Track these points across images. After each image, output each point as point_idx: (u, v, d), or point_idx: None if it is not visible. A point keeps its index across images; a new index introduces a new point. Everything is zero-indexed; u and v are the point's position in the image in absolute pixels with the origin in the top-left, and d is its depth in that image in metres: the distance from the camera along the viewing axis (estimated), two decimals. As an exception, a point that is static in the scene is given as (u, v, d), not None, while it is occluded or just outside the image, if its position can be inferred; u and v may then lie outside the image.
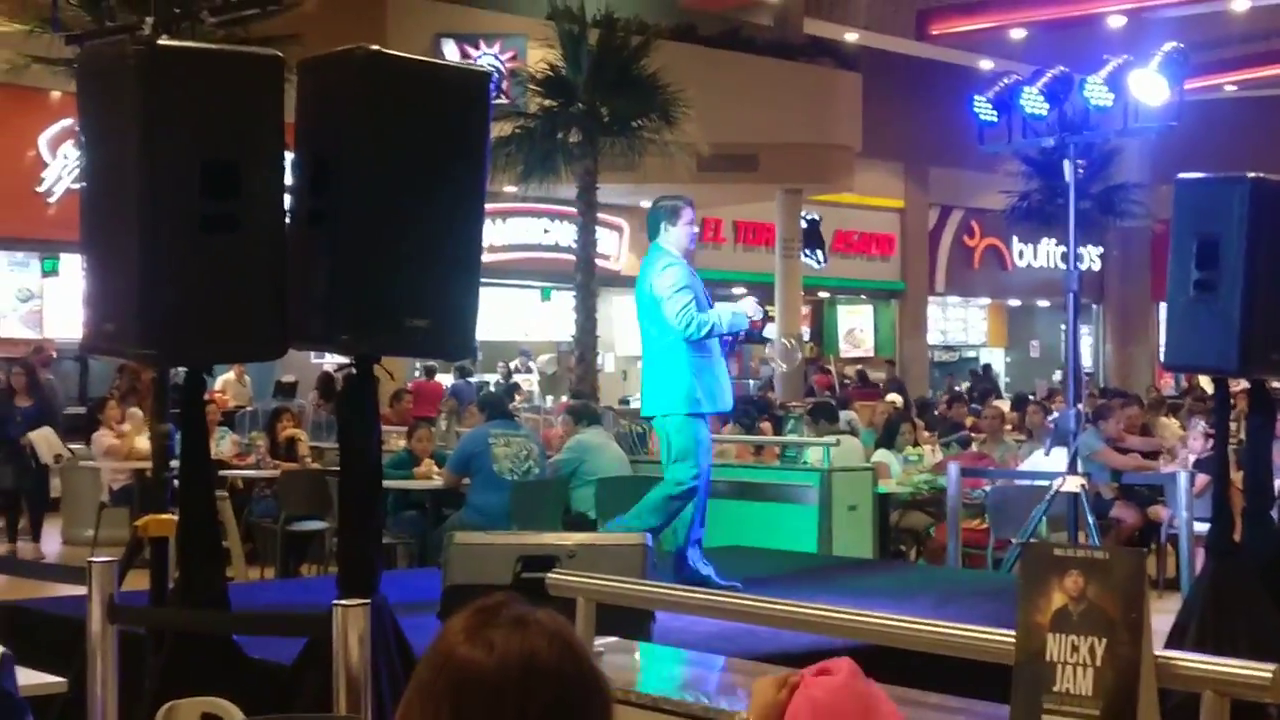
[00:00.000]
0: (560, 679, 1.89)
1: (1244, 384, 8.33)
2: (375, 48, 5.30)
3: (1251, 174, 7.68)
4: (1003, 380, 32.14)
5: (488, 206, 18.64)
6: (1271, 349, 7.63)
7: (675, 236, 7.98)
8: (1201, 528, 8.73)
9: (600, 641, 3.98)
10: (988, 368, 30.70)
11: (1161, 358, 8.11)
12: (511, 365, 25.29)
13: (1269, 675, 2.69)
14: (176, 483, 5.50)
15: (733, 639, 5.73)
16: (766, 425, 15.15)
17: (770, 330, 26.48)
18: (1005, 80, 9.56)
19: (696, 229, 8.15)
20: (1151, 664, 2.78)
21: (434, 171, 5.33)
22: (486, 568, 6.09)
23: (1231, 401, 8.94)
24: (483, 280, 5.66)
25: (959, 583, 9.19)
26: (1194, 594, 8.11)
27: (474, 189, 5.53)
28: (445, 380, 21.57)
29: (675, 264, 7.95)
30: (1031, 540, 8.46)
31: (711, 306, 7.97)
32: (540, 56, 19.28)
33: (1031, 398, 19.57)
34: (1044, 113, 9.27)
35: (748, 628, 5.08)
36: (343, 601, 4.00)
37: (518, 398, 18.03)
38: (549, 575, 3.93)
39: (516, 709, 1.86)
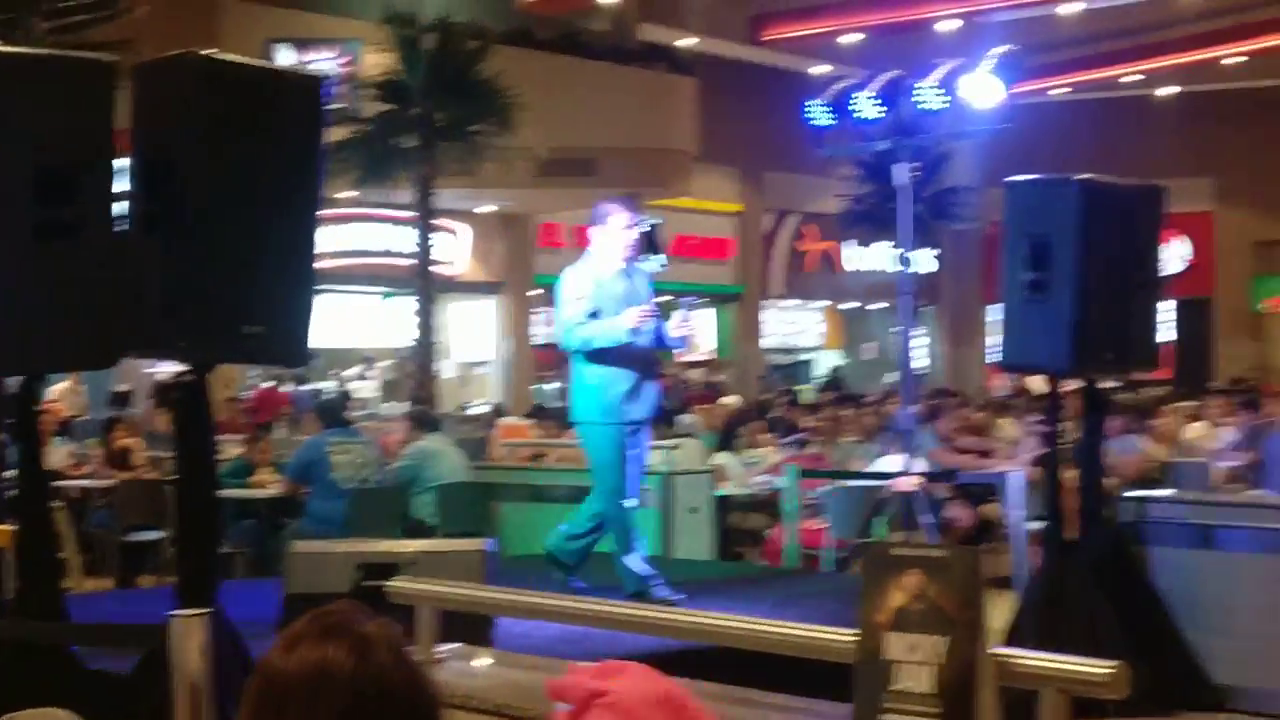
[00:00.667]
0: (353, 689, 1.86)
1: (1076, 384, 8.53)
2: (209, 52, 5.24)
3: (1080, 176, 7.88)
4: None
5: (326, 212, 18.46)
6: (1103, 349, 7.83)
7: (605, 240, 7.93)
8: (1036, 526, 8.91)
9: (443, 649, 3.96)
10: (837, 369, 31.19)
11: (997, 358, 8.26)
12: (348, 373, 25.04)
13: (1108, 672, 2.76)
14: (12, 493, 5.41)
15: (577, 643, 5.74)
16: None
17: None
18: (839, 85, 9.68)
19: (632, 230, 7.94)
20: (990, 661, 2.83)
21: (268, 177, 5.27)
22: (326, 576, 6.05)
23: (1063, 402, 9.15)
24: (321, 286, 5.62)
25: (798, 584, 9.29)
26: (1030, 592, 8.28)
27: (309, 194, 5.48)
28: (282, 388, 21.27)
29: (576, 272, 7.94)
30: (870, 540, 8.58)
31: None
32: (376, 61, 19.15)
33: (868, 400, 19.82)
34: (877, 117, 9.39)
35: (600, 633, 5.09)
36: (180, 612, 3.94)
37: (350, 404, 17.80)
38: (387, 583, 3.90)
39: (306, 716, 1.85)
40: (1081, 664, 2.84)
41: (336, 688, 1.86)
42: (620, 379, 7.76)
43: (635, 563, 7.88)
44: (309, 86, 5.65)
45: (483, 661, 4.12)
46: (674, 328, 7.97)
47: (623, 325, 7.71)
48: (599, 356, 7.75)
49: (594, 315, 7.74)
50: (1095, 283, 7.63)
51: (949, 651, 2.86)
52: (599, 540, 8.08)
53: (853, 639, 3.00)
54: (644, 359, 7.85)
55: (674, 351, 8.76)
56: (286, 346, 5.57)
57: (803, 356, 34.12)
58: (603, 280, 7.83)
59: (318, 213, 5.62)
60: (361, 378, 24.96)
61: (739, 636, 3.34)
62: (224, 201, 5.15)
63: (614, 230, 7.91)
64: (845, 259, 32.30)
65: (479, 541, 6.53)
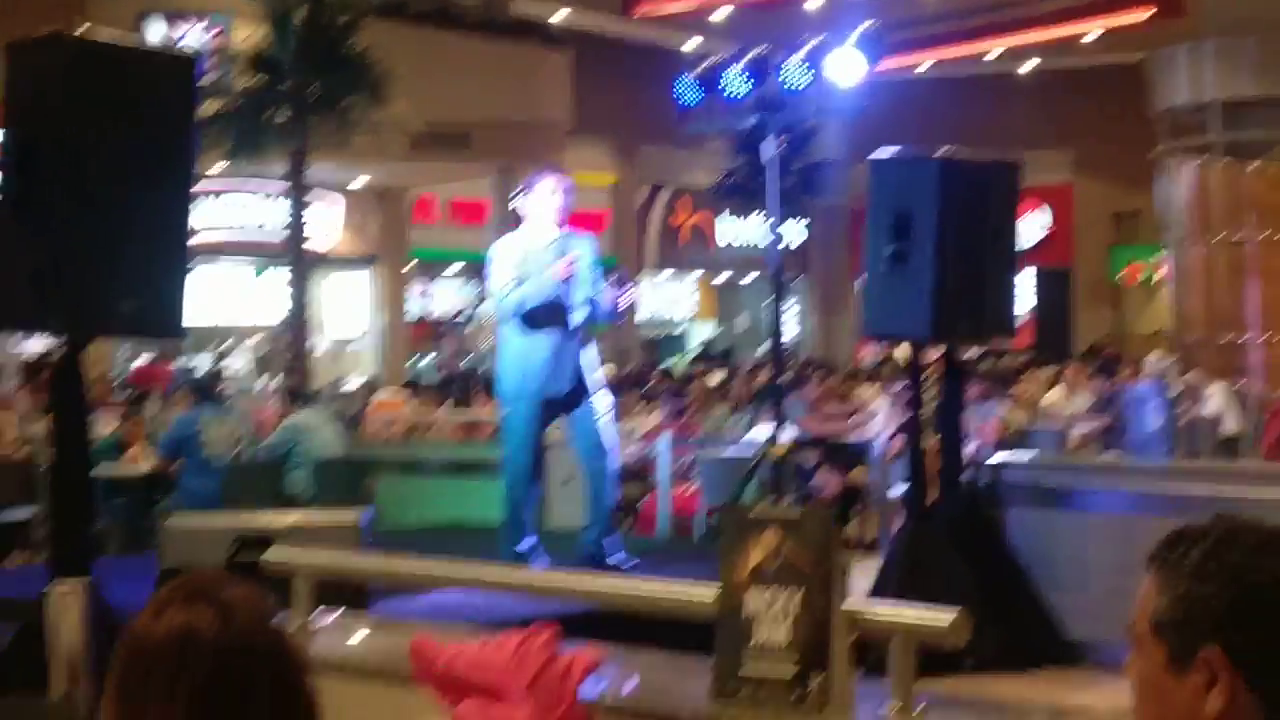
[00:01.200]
0: (220, 653, 1.91)
1: (936, 352, 8.75)
2: (81, 31, 5.28)
3: (939, 154, 8.11)
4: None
5: (197, 187, 18.30)
6: (960, 317, 8.07)
7: (533, 209, 7.79)
8: (899, 491, 9.14)
9: (320, 618, 4.04)
10: (711, 342, 31.42)
11: (862, 328, 8.48)
12: (225, 347, 24.82)
13: (948, 620, 2.91)
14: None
15: (457, 611, 5.85)
16: (483, 400, 15.21)
17: (486, 308, 26.59)
18: (710, 61, 9.78)
19: (560, 198, 7.77)
20: (843, 613, 2.97)
21: (140, 155, 5.31)
22: (201, 550, 6.06)
23: (924, 370, 9.37)
24: (193, 261, 5.65)
25: (670, 551, 9.44)
26: (891, 553, 8.51)
27: (180, 171, 5.52)
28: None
29: (503, 244, 7.85)
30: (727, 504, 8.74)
31: (566, 283, 7.66)
32: (247, 34, 18.97)
33: (739, 370, 20.06)
34: (745, 92, 9.52)
35: (480, 599, 5.21)
36: (57, 584, 3.98)
37: (223, 381, 17.68)
38: (264, 557, 3.98)
39: (169, 680, 1.90)
40: (925, 613, 3.00)
41: (201, 651, 1.91)
42: (536, 351, 7.63)
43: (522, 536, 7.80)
44: (181, 66, 5.69)
45: (359, 630, 4.21)
46: (608, 299, 7.87)
47: (549, 279, 7.57)
48: (529, 322, 7.62)
49: (521, 284, 7.60)
50: (953, 254, 7.86)
51: (803, 605, 3.00)
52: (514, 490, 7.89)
53: (713, 596, 3.13)
54: (564, 329, 7.67)
55: (609, 324, 8.54)
56: (162, 320, 5.61)
57: (676, 329, 34.34)
58: (532, 249, 7.68)
59: (190, 188, 5.67)
60: (232, 354, 24.75)
61: (608, 595, 3.46)
62: (95, 178, 5.17)
63: (541, 197, 7.77)
64: (719, 232, 32.53)
65: (354, 513, 6.59)
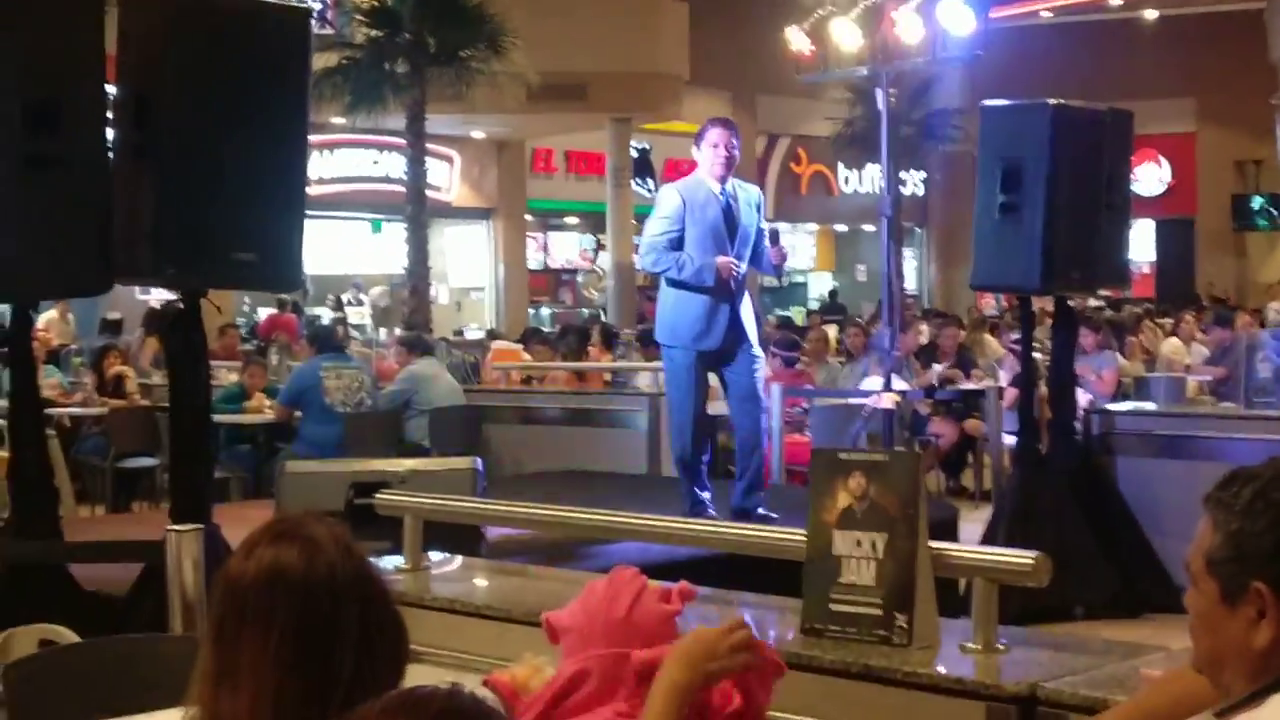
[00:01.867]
0: (305, 585, 2.03)
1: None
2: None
3: (1053, 100, 8.05)
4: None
5: (315, 139, 18.53)
6: (1071, 268, 8.04)
7: (700, 160, 7.56)
8: (1013, 440, 9.13)
9: (431, 557, 4.16)
10: (834, 293, 31.27)
11: (970, 278, 8.45)
12: (344, 298, 25.21)
13: (1031, 561, 2.97)
14: (3, 422, 5.56)
15: (576, 554, 6.00)
16: (596, 351, 15.35)
17: (604, 259, 26.74)
18: (819, 12, 9.81)
19: (723, 150, 7.48)
20: (927, 555, 3.04)
21: (255, 108, 5.43)
22: (319, 495, 6.22)
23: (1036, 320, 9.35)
24: (311, 213, 5.79)
25: (783, 497, 9.50)
26: (1002, 503, 8.54)
27: (296, 124, 5.64)
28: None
29: (670, 191, 7.75)
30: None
31: (732, 239, 7.45)
32: (367, -14, 19.15)
33: (859, 320, 20.03)
34: (856, 44, 9.53)
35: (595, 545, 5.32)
36: (176, 527, 4.13)
37: (343, 330, 17.97)
38: (376, 496, 4.11)
39: (261, 615, 2.03)
40: (1006, 554, 3.06)
41: (290, 584, 2.03)
42: (692, 305, 7.48)
43: (693, 486, 7.61)
44: (295, 19, 5.81)
45: (469, 569, 4.33)
46: (773, 256, 7.67)
47: (705, 273, 7.38)
48: (681, 282, 7.50)
49: (680, 237, 7.44)
50: (1064, 203, 7.82)
51: (888, 547, 3.07)
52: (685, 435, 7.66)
53: (803, 538, 3.20)
54: (722, 287, 7.45)
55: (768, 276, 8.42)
56: (278, 272, 5.76)
57: (796, 279, 34.26)
58: (693, 201, 7.48)
59: (306, 141, 5.80)
60: (352, 303, 25.10)
61: (703, 539, 3.55)
62: (211, 131, 5.31)
63: (705, 149, 7.53)
64: (839, 181, 32.38)
65: (468, 460, 6.71)
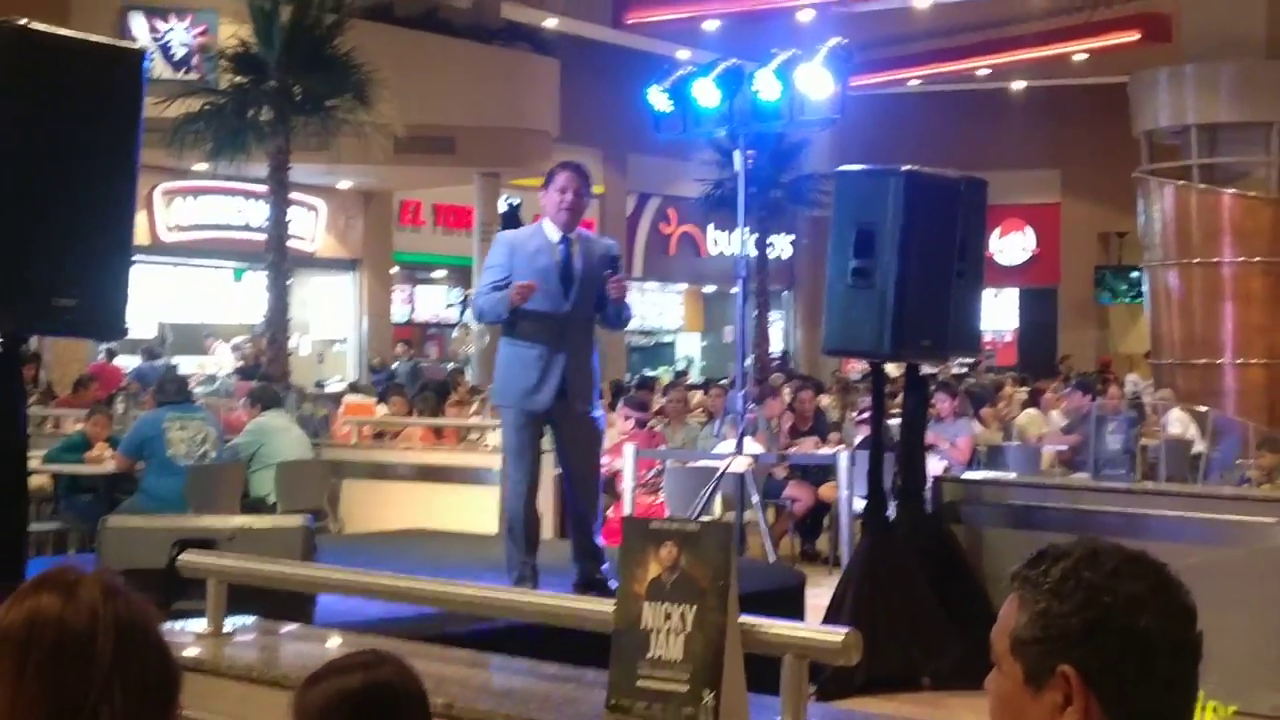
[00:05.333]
0: (61, 625, 2.06)
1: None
2: (22, 22, 5.22)
3: (906, 166, 8.08)
4: (697, 364, 32.83)
5: (176, 185, 18.28)
6: (922, 334, 8.04)
7: (544, 205, 7.23)
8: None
9: (236, 621, 4.00)
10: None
11: (821, 344, 8.45)
12: (217, 348, 24.69)
13: (840, 638, 2.88)
14: None
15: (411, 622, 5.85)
16: (454, 409, 15.20)
17: (471, 314, 26.60)
18: (680, 71, 9.80)
19: (570, 196, 7.11)
20: (737, 630, 2.94)
21: (82, 149, 5.27)
22: (141, 552, 5.98)
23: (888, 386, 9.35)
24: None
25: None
26: (849, 569, 8.50)
27: (124, 167, 5.47)
28: (129, 362, 20.97)
29: (500, 239, 7.39)
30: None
31: (567, 289, 7.11)
32: (232, 32, 18.93)
33: (724, 383, 20.05)
34: (714, 105, 9.52)
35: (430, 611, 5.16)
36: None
37: (194, 381, 17.64)
38: (180, 558, 3.94)
39: (17, 656, 2.05)
40: (817, 631, 2.97)
41: (46, 627, 2.05)
42: (521, 362, 7.14)
43: (522, 554, 7.31)
44: (128, 57, 5.64)
45: (276, 636, 4.17)
46: (610, 287, 7.14)
47: (500, 305, 7.05)
48: (509, 330, 7.18)
49: (507, 284, 7.03)
50: (916, 270, 7.84)
51: (697, 619, 2.97)
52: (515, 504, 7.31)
53: (612, 609, 3.09)
54: (555, 338, 7.11)
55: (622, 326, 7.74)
56: (101, 318, 5.57)
57: (664, 339, 34.34)
58: (523, 248, 7.16)
59: (135, 184, 5.63)
60: (211, 353, 24.68)
61: (510, 608, 3.42)
62: (33, 172, 5.13)
63: (550, 193, 7.19)
64: (708, 242, 32.55)
65: (298, 519, 6.51)
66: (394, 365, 24.28)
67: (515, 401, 7.18)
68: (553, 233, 7.18)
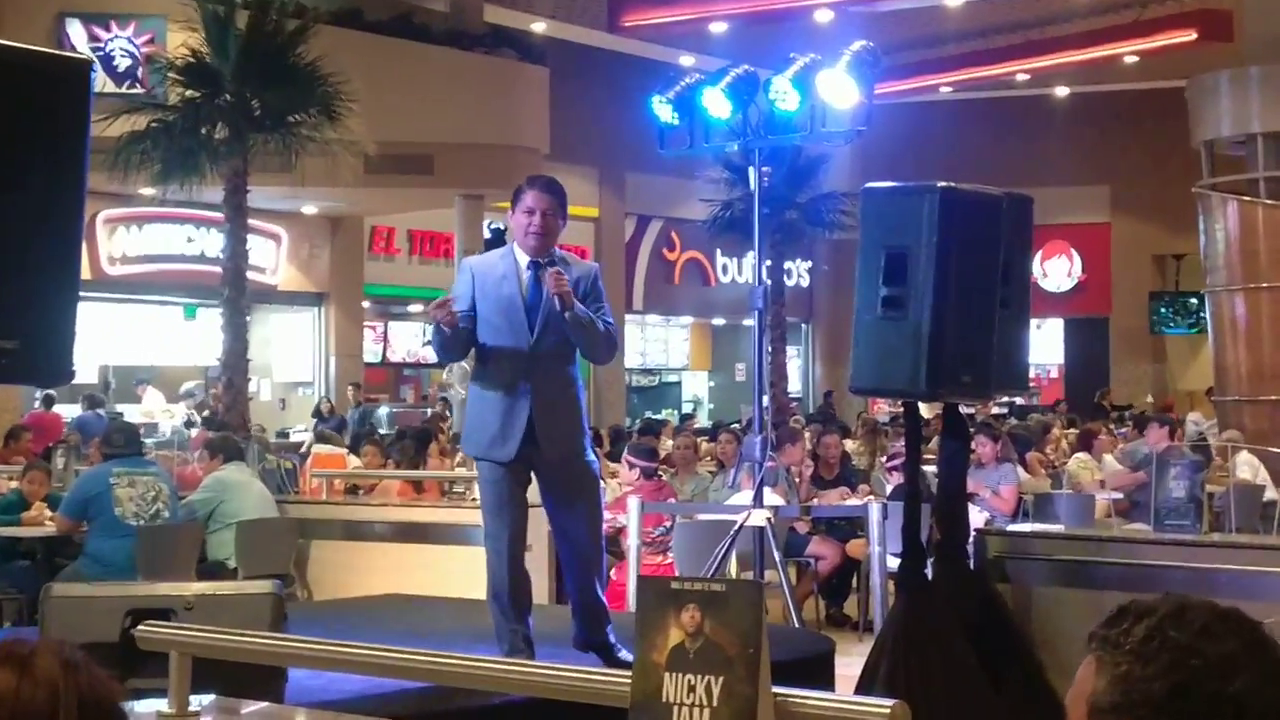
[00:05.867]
0: (17, 701, 2.07)
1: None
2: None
3: (942, 183, 8.08)
4: (705, 406, 32.85)
5: (120, 212, 18.41)
6: (962, 370, 8.02)
7: (513, 227, 7.17)
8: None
9: (201, 700, 3.99)
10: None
11: (849, 382, 8.43)
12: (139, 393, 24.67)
13: (887, 712, 2.87)
14: None
15: (389, 697, 5.83)
16: (437, 460, 15.20)
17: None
18: (687, 79, 9.81)
19: (538, 219, 6.99)
20: (770, 703, 2.93)
21: (18, 173, 5.25)
22: (90, 623, 5.98)
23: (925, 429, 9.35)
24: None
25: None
26: (883, 634, 8.46)
27: (70, 193, 5.46)
28: (70, 411, 21.01)
29: (463, 267, 7.30)
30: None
31: (532, 320, 6.99)
32: (182, 41, 18.98)
33: (735, 426, 20.05)
34: (726, 116, 9.53)
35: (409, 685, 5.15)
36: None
37: (148, 430, 17.68)
38: (138, 629, 3.94)
39: None
40: (861, 704, 2.96)
41: (1, 707, 2.06)
42: (486, 407, 7.09)
43: (512, 623, 7.19)
44: (72, 69, 5.64)
45: (248, 716, 4.16)
46: (546, 280, 6.92)
47: (435, 335, 7.08)
48: (476, 371, 7.15)
49: (471, 316, 7.00)
50: (954, 298, 7.81)
51: (725, 693, 2.96)
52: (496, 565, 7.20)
53: (628, 681, 3.09)
54: (519, 377, 7.03)
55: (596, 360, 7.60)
56: (45, 362, 5.55)
57: (669, 378, 34.37)
58: (487, 276, 7.10)
59: (82, 213, 5.62)
60: (160, 400, 24.69)
61: (516, 683, 3.42)
62: (-33, 200, 5.13)
63: (517, 215, 7.11)
64: (718, 270, 32.59)
65: (267, 585, 6.51)
66: (349, 412, 24.24)
67: (483, 452, 7.10)
68: (522, 258, 7.11)
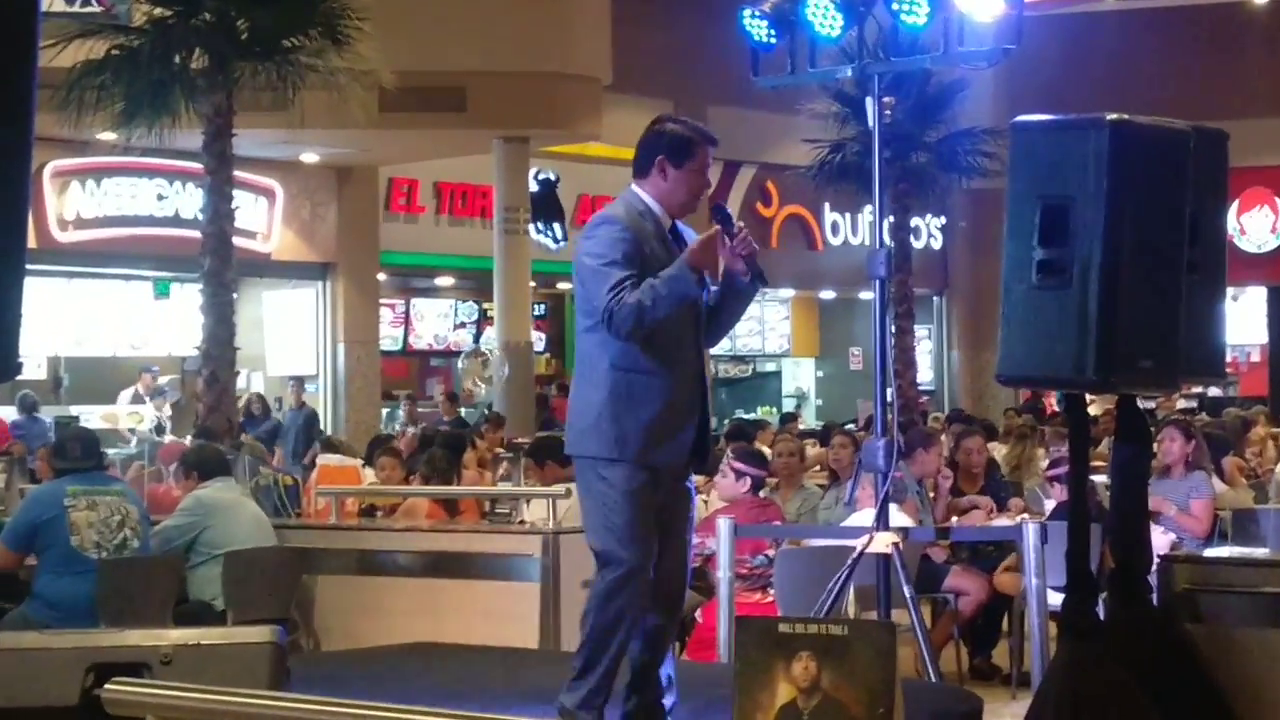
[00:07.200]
0: None
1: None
2: None
3: (1112, 115, 8.05)
4: (812, 402, 32.82)
5: (71, 163, 18.63)
6: (1140, 353, 7.99)
7: (663, 184, 7.27)
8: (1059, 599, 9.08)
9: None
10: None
11: (996, 369, 8.41)
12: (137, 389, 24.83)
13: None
14: None
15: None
16: (471, 472, 15.24)
17: (490, 337, 26.64)
18: (787, -12, 9.81)
19: (709, 183, 7.43)
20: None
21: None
22: (41, 683, 6.07)
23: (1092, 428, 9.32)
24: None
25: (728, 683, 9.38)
26: (1044, 689, 8.45)
27: (12, 140, 5.52)
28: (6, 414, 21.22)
29: (610, 222, 7.22)
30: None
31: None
32: (152, -51, 19.13)
33: (852, 427, 20.03)
34: (837, 33, 9.53)
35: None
36: None
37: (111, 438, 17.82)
38: (105, 687, 3.98)
39: None
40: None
41: None
42: (651, 400, 7.08)
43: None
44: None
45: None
46: (732, 250, 7.17)
47: (681, 283, 6.98)
48: (625, 352, 7.08)
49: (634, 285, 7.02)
50: (1130, 261, 7.79)
51: (848, 764, 2.97)
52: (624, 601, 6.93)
53: (724, 752, 3.10)
54: (693, 364, 7.23)
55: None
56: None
57: (766, 367, 34.36)
58: (649, 239, 7.18)
59: (29, 171, 5.68)
60: (146, 396, 24.84)
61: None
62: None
63: (684, 173, 7.31)
64: (827, 229, 32.52)
65: (266, 631, 6.58)
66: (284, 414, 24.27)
67: (635, 452, 7.04)
68: (665, 218, 7.30)
